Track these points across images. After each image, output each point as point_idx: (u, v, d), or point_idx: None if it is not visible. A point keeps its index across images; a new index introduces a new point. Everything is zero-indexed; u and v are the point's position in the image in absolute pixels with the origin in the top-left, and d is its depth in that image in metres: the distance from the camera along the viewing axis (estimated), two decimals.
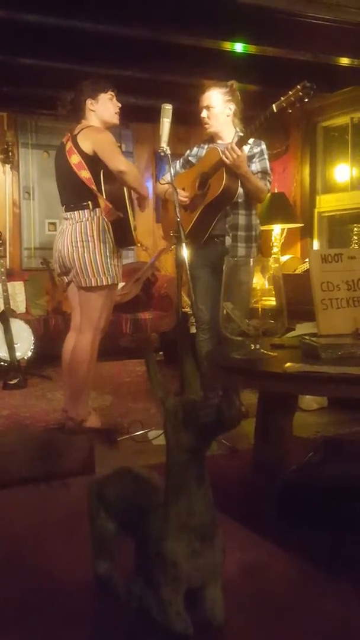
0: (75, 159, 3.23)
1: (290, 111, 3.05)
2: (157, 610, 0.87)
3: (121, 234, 3.28)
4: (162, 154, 3.05)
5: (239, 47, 4.21)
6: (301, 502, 1.83)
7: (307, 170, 6.21)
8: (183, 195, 3.44)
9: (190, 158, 3.64)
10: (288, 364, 1.86)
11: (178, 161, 3.67)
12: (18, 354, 4.86)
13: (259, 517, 1.76)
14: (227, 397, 0.77)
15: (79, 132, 3.27)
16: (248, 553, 1.12)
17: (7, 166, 6.18)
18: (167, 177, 3.37)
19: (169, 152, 3.03)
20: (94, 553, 1.00)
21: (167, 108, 3.02)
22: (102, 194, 3.21)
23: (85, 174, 3.21)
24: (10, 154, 6.11)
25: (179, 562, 0.84)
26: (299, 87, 2.97)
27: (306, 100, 2.98)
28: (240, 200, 3.41)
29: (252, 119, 3.39)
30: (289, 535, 1.61)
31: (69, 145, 3.27)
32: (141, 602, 0.90)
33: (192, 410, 0.81)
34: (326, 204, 6.11)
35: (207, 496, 0.85)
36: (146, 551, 0.89)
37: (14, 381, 4.65)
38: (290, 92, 2.99)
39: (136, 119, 5.92)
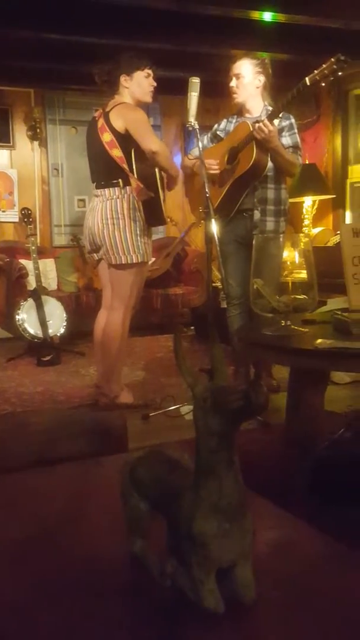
0: (107, 137, 3.21)
1: (323, 84, 2.98)
2: (189, 588, 0.89)
3: (152, 213, 3.27)
4: (190, 128, 3.01)
5: (267, 15, 4.12)
6: (333, 478, 1.84)
7: (338, 140, 6.10)
8: (213, 164, 3.39)
9: (218, 132, 3.59)
10: (319, 340, 1.85)
11: (206, 135, 3.63)
12: (51, 331, 4.93)
13: (290, 493, 1.77)
14: (254, 384, 0.77)
15: (111, 109, 3.23)
16: (278, 531, 1.13)
17: (36, 143, 6.20)
18: (195, 152, 3.33)
19: (197, 126, 3.00)
20: (127, 531, 1.02)
21: (195, 81, 2.98)
22: (133, 173, 3.19)
23: (116, 153, 3.19)
24: (38, 130, 6.12)
25: (209, 543, 0.86)
26: (332, 60, 2.89)
27: (340, 73, 2.90)
28: (269, 174, 3.37)
29: (281, 88, 3.32)
30: (320, 512, 1.62)
31: (101, 122, 3.25)
32: (174, 580, 0.92)
33: (221, 396, 0.82)
34: (359, 174, 5.99)
35: (237, 478, 0.86)
36: (178, 532, 0.90)
37: (48, 358, 4.72)
38: (323, 66, 2.92)
39: (164, 92, 5.84)
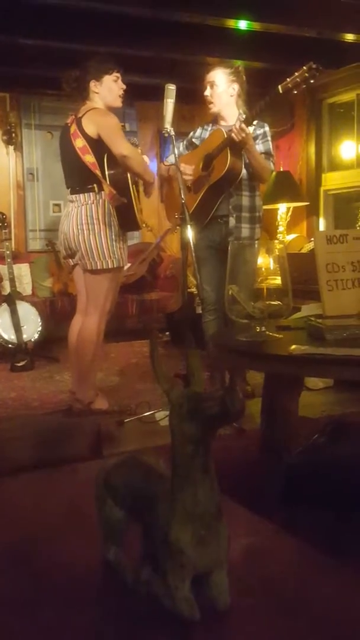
0: (79, 143, 3.20)
1: (295, 92, 3.02)
2: (164, 595, 0.89)
3: (125, 219, 3.27)
4: (166, 134, 3.03)
5: (242, 24, 4.16)
6: (307, 483, 1.85)
7: (312, 148, 6.15)
8: (188, 171, 3.41)
9: (193, 140, 3.62)
10: (293, 346, 1.86)
11: (181, 143, 3.65)
12: (25, 336, 4.88)
13: (265, 498, 1.77)
14: (230, 390, 0.78)
15: (83, 115, 3.23)
16: (253, 538, 1.14)
17: (11, 147, 6.15)
18: (171, 159, 3.35)
19: (172, 132, 3.01)
20: (102, 538, 1.02)
21: (171, 88, 3.00)
22: (105, 179, 3.19)
23: (89, 159, 3.19)
24: (13, 135, 6.08)
25: (184, 550, 0.86)
26: (305, 68, 2.94)
27: (312, 81, 2.96)
28: (244, 181, 3.41)
29: (256, 96, 3.35)
30: (294, 517, 1.62)
31: (74, 128, 3.24)
32: (149, 588, 0.92)
33: (197, 402, 0.82)
34: (332, 181, 6.06)
35: (213, 485, 0.87)
36: (153, 538, 0.90)
37: (22, 363, 4.68)
38: (296, 74, 2.97)
39: (140, 98, 5.87)
